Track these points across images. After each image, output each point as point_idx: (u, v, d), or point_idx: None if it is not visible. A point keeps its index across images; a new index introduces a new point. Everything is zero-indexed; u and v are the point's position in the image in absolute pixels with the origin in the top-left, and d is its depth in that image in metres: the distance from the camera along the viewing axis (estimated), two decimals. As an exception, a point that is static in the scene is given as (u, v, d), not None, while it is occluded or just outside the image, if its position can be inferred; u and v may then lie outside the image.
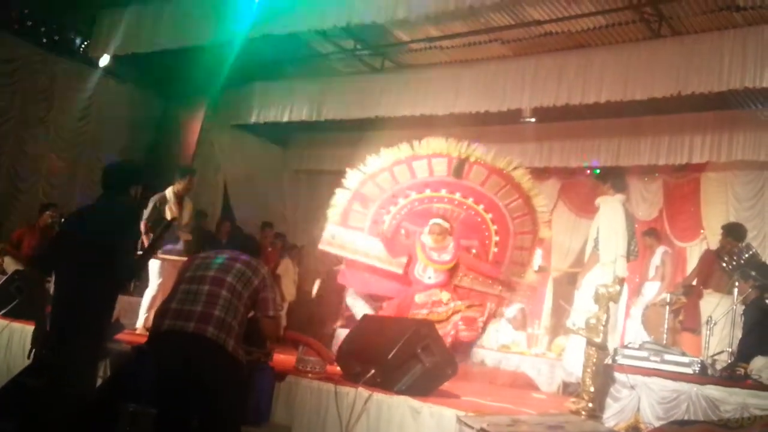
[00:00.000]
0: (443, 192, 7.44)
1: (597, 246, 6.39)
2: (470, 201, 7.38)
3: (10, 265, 8.21)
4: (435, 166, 7.36)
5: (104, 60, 10.77)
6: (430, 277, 6.91)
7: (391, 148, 7.47)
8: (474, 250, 7.23)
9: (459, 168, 7.30)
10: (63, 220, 7.53)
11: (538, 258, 6.70)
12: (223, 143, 12.74)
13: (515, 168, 7.30)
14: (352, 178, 7.49)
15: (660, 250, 8.50)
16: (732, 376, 5.08)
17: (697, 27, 8.08)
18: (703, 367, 5.10)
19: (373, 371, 4.81)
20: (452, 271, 6.97)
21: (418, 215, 7.41)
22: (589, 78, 8.44)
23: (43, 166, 10.84)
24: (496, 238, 7.34)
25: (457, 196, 7.42)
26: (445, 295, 6.76)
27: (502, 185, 7.27)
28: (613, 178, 6.70)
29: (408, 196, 7.48)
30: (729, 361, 5.76)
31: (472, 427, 2.99)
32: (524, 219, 7.26)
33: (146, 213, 7.31)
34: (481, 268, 7.09)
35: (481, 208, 7.38)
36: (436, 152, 7.33)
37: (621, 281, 6.13)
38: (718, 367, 5.44)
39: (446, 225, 6.93)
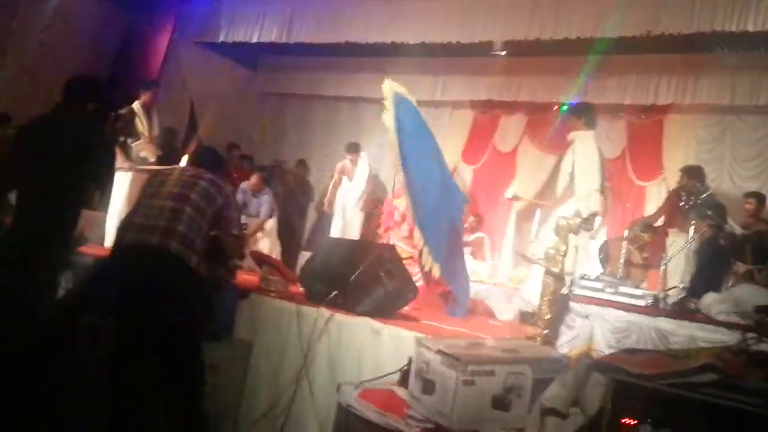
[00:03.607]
0: None
1: (573, 180, 6.42)
2: None
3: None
4: None
5: (68, -31, 10.35)
6: None
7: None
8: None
9: None
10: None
11: (512, 187, 6.64)
12: (189, 61, 12.43)
13: None
14: None
15: None
16: (682, 310, 5.25)
17: (672, -34, 8.02)
18: (656, 300, 5.27)
19: (335, 292, 4.86)
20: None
21: None
22: (561, 13, 8.37)
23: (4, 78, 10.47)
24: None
25: None
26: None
27: None
28: (586, 113, 6.72)
29: None
30: (681, 297, 5.93)
31: (431, 349, 3.07)
32: None
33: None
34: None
35: None
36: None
37: (594, 215, 6.24)
38: (671, 301, 5.61)
39: None
